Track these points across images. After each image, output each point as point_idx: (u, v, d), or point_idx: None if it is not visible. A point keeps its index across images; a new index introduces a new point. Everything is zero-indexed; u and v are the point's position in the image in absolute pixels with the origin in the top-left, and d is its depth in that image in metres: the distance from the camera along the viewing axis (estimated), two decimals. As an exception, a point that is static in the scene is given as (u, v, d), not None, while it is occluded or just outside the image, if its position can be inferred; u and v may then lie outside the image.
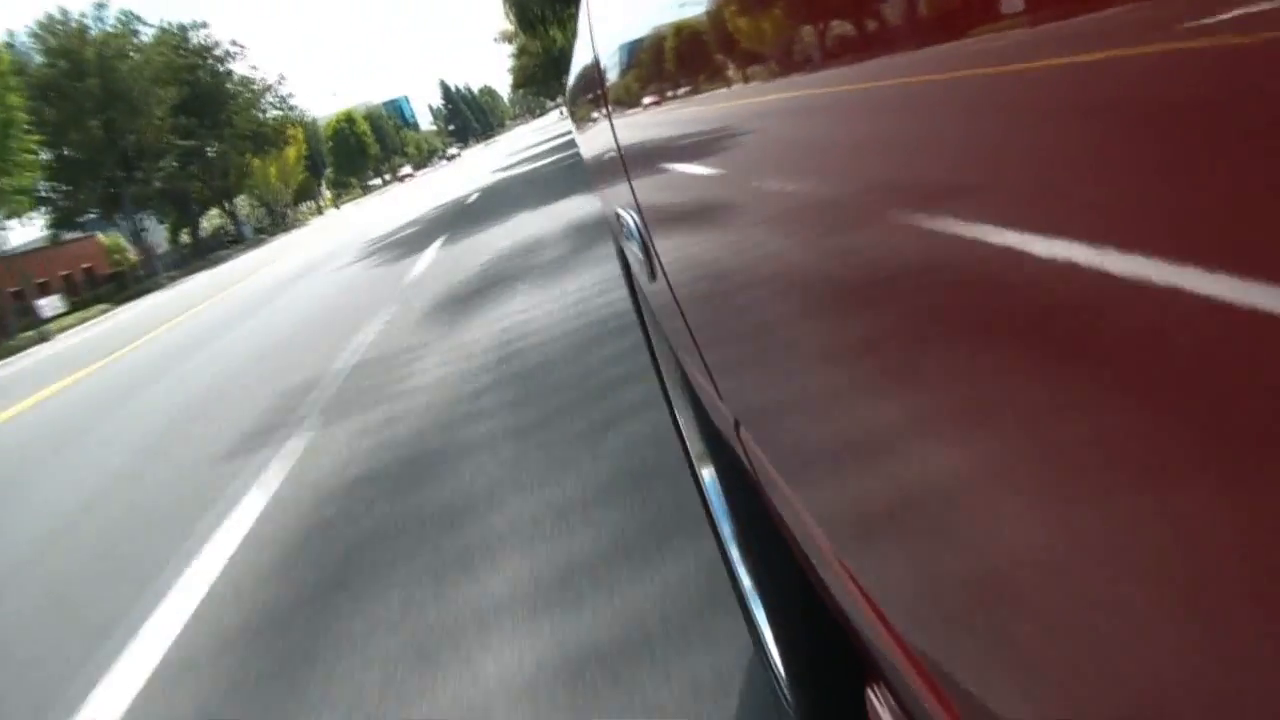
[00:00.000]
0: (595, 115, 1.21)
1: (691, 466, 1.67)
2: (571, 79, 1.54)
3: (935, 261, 0.29)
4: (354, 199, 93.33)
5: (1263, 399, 0.17)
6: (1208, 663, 0.21)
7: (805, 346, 0.48)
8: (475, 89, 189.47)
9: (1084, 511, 0.25)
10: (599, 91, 1.09)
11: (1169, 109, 0.17)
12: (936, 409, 0.33)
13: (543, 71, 55.07)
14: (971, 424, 0.30)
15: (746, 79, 0.44)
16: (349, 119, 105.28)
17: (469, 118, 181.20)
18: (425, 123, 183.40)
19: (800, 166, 0.40)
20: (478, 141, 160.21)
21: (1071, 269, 0.22)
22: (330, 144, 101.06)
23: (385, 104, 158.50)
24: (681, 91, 0.61)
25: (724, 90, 0.48)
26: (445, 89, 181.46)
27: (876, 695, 0.56)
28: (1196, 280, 0.17)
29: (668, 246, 0.87)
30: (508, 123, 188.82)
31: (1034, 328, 0.24)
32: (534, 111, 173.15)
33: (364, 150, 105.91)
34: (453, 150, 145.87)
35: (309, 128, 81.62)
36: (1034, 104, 0.22)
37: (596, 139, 1.27)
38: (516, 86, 70.48)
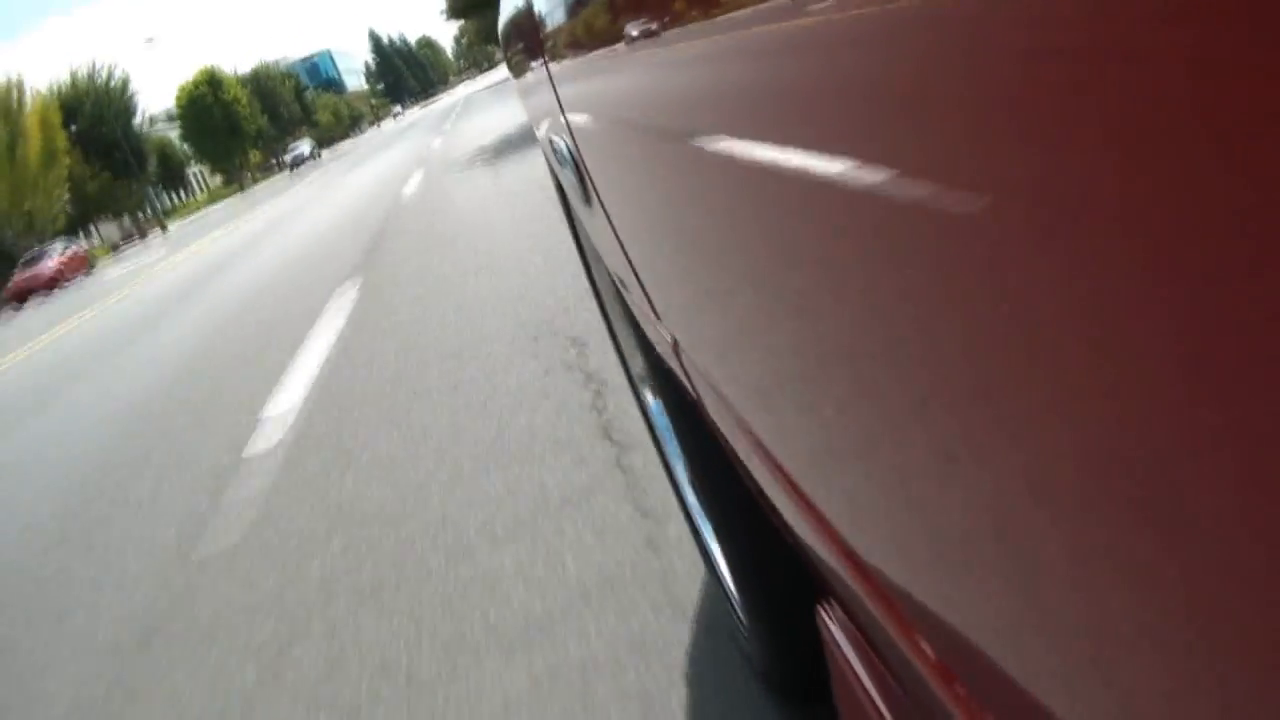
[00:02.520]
0: (528, 44, 1.18)
1: (635, 389, 1.67)
2: (503, 14, 1.52)
3: (863, 189, 0.29)
4: (225, 201, 57.05)
5: (1266, 398, 0.16)
6: (1159, 620, 0.21)
7: (742, 264, 0.48)
8: (413, 40, 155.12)
9: (1034, 433, 0.24)
10: (532, 21, 1.07)
11: (1168, 102, 0.16)
12: (872, 322, 0.33)
13: None
14: (911, 335, 0.30)
15: (682, 8, 0.43)
16: (210, 81, 67.98)
17: (404, 74, 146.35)
18: (358, 82, 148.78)
19: (729, 93, 0.40)
20: (415, 103, 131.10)
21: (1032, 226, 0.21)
22: (182, 119, 67.69)
23: (303, 61, 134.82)
24: (616, 21, 0.59)
25: (655, 17, 0.48)
26: (375, 41, 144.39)
27: (828, 612, 0.56)
28: (1193, 278, 0.17)
29: (602, 172, 0.85)
30: (451, 79, 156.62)
31: (962, 248, 0.23)
32: (481, 65, 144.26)
33: (235, 127, 68.72)
34: (396, 110, 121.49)
35: (66, 92, 48.79)
36: (1000, 69, 0.21)
37: (529, 66, 1.24)
38: (453, 14, 49.54)
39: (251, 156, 75.48)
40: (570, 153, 1.02)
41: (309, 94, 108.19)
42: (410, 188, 11.47)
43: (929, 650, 0.39)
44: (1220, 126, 0.15)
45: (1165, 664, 0.22)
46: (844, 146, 0.30)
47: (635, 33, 0.53)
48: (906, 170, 0.26)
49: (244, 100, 70.70)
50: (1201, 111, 0.15)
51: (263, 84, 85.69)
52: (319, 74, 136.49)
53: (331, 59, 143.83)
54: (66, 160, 42.66)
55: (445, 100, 75.89)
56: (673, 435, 1.45)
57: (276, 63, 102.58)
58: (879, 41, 0.25)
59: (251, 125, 71.38)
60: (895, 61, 0.25)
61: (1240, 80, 0.14)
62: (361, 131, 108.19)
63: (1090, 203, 0.19)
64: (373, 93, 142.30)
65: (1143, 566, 0.22)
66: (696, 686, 1.40)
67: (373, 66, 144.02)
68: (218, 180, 77.71)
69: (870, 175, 0.29)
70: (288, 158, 64.04)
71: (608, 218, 0.89)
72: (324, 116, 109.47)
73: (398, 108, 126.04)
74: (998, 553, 0.29)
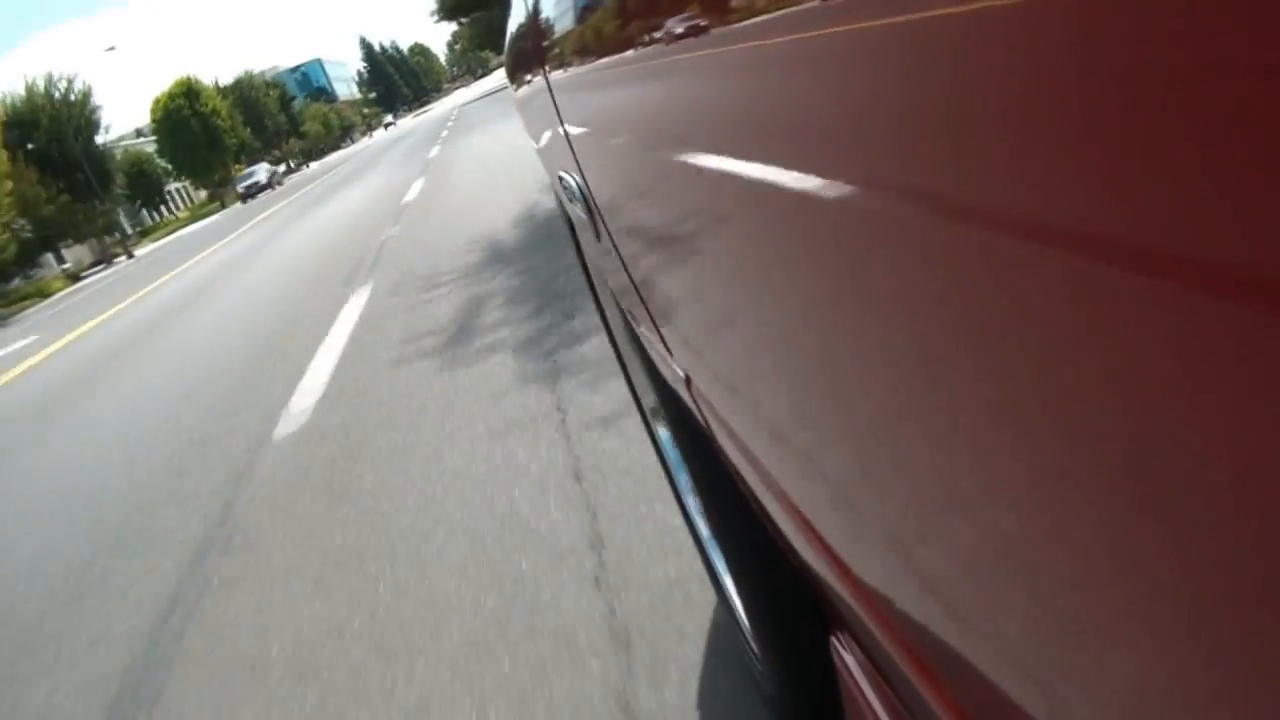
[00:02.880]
0: (533, 76, 1.19)
1: (647, 422, 1.67)
2: (509, 40, 1.52)
3: (879, 218, 0.29)
4: (201, 219, 54.60)
5: (1263, 398, 0.16)
6: (1155, 609, 0.21)
7: (752, 301, 0.47)
8: (405, 47, 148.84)
9: (1038, 451, 0.24)
10: (537, 51, 1.07)
11: (1167, 100, 0.16)
12: (885, 356, 0.33)
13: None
14: (922, 368, 0.30)
15: (688, 35, 0.43)
16: (187, 92, 62.43)
17: (397, 82, 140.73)
18: (350, 90, 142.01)
19: (741, 123, 0.40)
20: (409, 111, 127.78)
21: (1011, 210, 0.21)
22: (157, 133, 62.65)
23: (291, 70, 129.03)
24: (621, 50, 0.59)
25: (664, 48, 0.47)
26: (367, 48, 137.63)
27: (841, 643, 0.56)
28: (1188, 275, 0.17)
29: (611, 206, 0.86)
30: (445, 86, 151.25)
31: (981, 280, 0.24)
32: (475, 72, 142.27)
33: (215, 140, 62.91)
34: (388, 119, 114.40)
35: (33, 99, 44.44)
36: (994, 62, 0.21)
37: (536, 100, 1.25)
38: (444, 15, 46.51)
39: (235, 170, 68.52)
40: (579, 188, 1.03)
41: (297, 104, 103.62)
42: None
43: (940, 682, 0.39)
44: (1220, 127, 0.15)
45: (1182, 696, 0.22)
46: (865, 177, 0.29)
47: (643, 55, 0.52)
48: (931, 204, 0.26)
49: (224, 111, 65.34)
50: (1198, 113, 0.15)
51: (245, 94, 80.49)
52: (309, 83, 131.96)
53: (322, 67, 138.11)
54: (9, 184, 36.18)
55: (437, 109, 72.99)
56: (684, 468, 1.45)
57: (264, 73, 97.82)
58: (914, 58, 0.24)
59: (233, 138, 66.09)
60: (929, 81, 0.24)
61: (1240, 80, 0.14)
62: (353, 141, 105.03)
63: (1098, 213, 0.19)
64: (365, 101, 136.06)
65: (1162, 600, 0.21)
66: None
67: (364, 74, 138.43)
68: (204, 194, 73.66)
69: (890, 210, 0.28)
70: (240, 186, 54.26)
71: (618, 253, 0.89)
72: (313, 127, 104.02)
73: (389, 117, 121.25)
74: (1009, 588, 0.30)
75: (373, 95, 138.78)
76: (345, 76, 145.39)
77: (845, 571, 0.46)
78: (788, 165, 0.35)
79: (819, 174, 0.32)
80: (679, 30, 0.44)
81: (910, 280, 0.28)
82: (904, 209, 0.27)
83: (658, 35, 0.47)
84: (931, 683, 0.39)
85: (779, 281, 0.42)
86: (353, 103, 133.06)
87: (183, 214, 71.69)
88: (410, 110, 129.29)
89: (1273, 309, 0.15)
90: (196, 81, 64.59)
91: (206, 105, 63.43)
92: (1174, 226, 0.17)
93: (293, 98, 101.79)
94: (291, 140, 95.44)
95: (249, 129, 75.77)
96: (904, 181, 0.27)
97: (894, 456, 0.35)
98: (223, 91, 73.29)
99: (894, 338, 0.31)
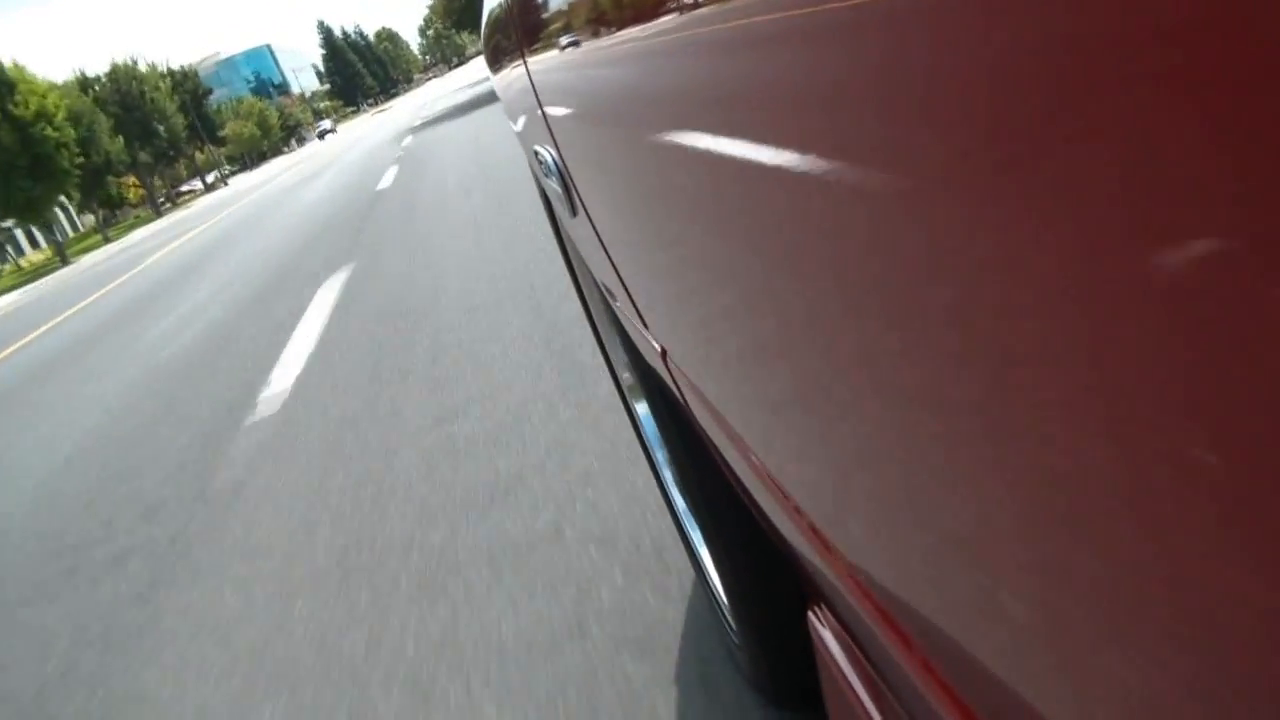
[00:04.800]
0: (508, 49, 1.18)
1: (624, 399, 1.67)
2: (484, 19, 1.51)
3: (850, 194, 0.29)
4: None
5: (1263, 397, 0.16)
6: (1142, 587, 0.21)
7: (728, 273, 0.47)
8: (370, 33, 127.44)
9: (1013, 423, 0.24)
10: (512, 25, 1.06)
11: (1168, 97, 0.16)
12: (859, 328, 0.33)
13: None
14: (897, 339, 0.30)
15: (665, 11, 0.43)
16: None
17: (360, 72, 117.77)
18: (311, 81, 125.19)
19: (717, 98, 0.40)
20: (372, 105, 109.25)
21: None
22: None
23: (224, 61, 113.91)
24: (596, 22, 0.59)
25: (640, 24, 0.47)
26: (326, 33, 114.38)
27: (819, 617, 0.56)
28: (1183, 275, 0.17)
29: (587, 180, 0.85)
30: (417, 76, 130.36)
31: (949, 251, 0.24)
32: (450, 60, 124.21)
33: (42, 160, 40.97)
34: (323, 125, 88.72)
35: None
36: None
37: (511, 74, 1.24)
38: None
39: (126, 193, 57.31)
40: (555, 162, 1.02)
41: (215, 99, 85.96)
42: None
43: (918, 653, 0.39)
44: (1219, 126, 0.15)
45: (1149, 663, 0.22)
46: (833, 152, 0.30)
47: (619, 33, 0.52)
48: (896, 178, 0.26)
49: (59, 116, 42.66)
50: (1198, 110, 0.15)
51: (124, 90, 58.85)
52: (253, 73, 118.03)
53: (272, 54, 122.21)
54: None
55: (400, 110, 50.20)
56: (662, 443, 1.45)
57: (204, 61, 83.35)
58: (895, 40, 0.25)
59: (68, 157, 42.40)
60: (906, 63, 0.24)
61: (1240, 78, 0.14)
62: (300, 144, 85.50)
63: (1078, 205, 0.19)
64: (324, 94, 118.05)
65: (1127, 566, 0.22)
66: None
67: (323, 64, 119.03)
68: (88, 223, 58.43)
69: (857, 183, 0.28)
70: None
71: (593, 227, 0.89)
72: (243, 129, 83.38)
73: (326, 122, 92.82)
74: (985, 555, 0.30)
75: (327, 87, 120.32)
76: (304, 66, 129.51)
77: (822, 544, 0.46)
78: (762, 141, 0.35)
79: (793, 150, 0.33)
80: (656, 5, 0.44)
81: (881, 252, 0.29)
82: (873, 184, 0.27)
83: (635, 9, 0.47)
84: (909, 654, 0.40)
85: (753, 254, 0.42)
86: (303, 97, 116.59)
87: (9, 267, 52.68)
88: (373, 106, 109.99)
89: (1272, 307, 0.15)
90: (17, 70, 41.75)
91: (25, 108, 40.78)
92: (1172, 223, 0.17)
93: (209, 91, 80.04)
94: (205, 149, 77.57)
95: (139, 135, 58.13)
96: (874, 158, 0.27)
97: (870, 427, 0.35)
98: (84, 85, 54.92)
99: (868, 310, 0.32)
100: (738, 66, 0.36)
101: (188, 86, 72.81)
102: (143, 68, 64.18)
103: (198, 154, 77.67)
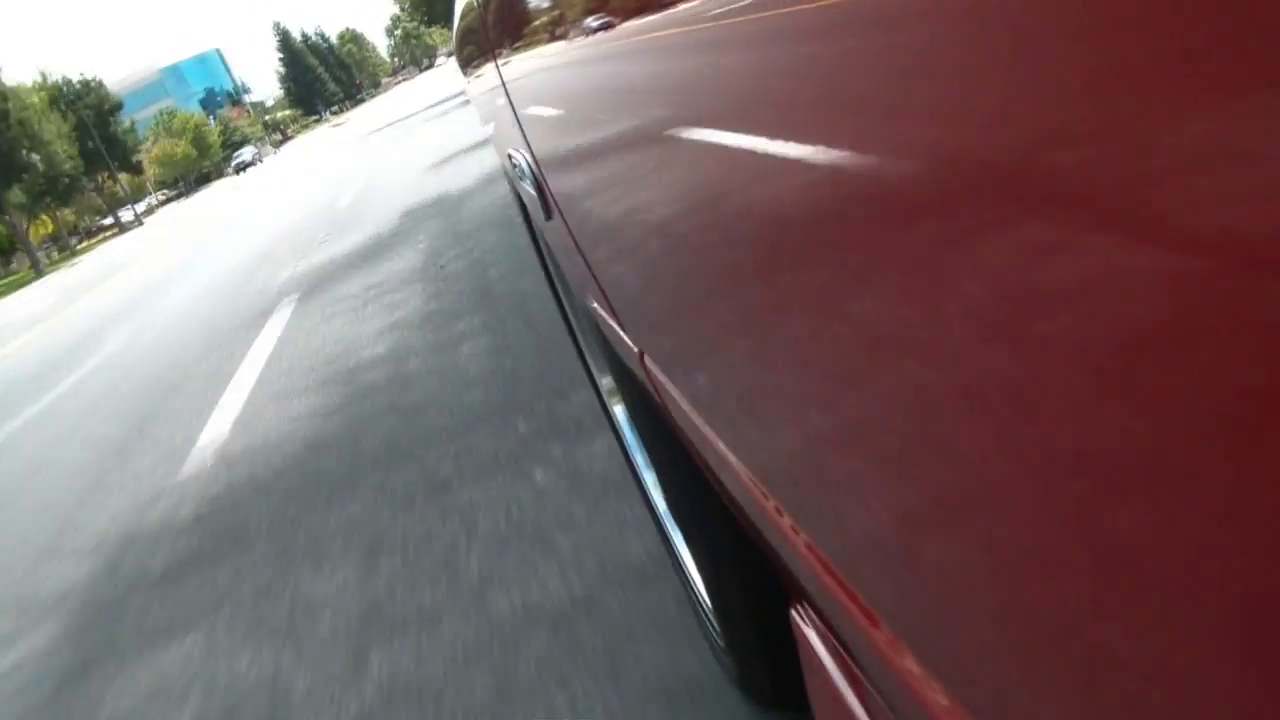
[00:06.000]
0: (481, 56, 1.18)
1: (602, 402, 1.67)
2: (456, 21, 1.51)
3: (826, 191, 0.29)
4: None
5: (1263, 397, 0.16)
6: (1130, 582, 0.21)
7: (703, 274, 0.47)
8: (333, 35, 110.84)
9: (996, 417, 0.24)
10: (485, 32, 1.06)
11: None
12: (838, 325, 0.33)
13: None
14: (877, 336, 0.30)
15: (635, 13, 0.43)
16: None
17: (322, 77, 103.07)
18: (273, 89, 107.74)
19: (689, 98, 0.40)
20: (338, 112, 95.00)
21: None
22: None
23: (169, 69, 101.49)
24: (566, 27, 0.59)
25: (609, 23, 0.47)
26: (283, 36, 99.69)
27: (801, 615, 0.56)
28: (1178, 275, 0.16)
29: (561, 184, 0.85)
30: (384, 81, 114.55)
31: (929, 245, 0.24)
32: (420, 62, 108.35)
33: None
34: (243, 157, 65.57)
35: None
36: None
37: (484, 80, 1.24)
38: None
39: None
40: (528, 164, 1.02)
41: (133, 118, 69.53)
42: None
43: (900, 649, 0.39)
44: (1219, 125, 0.15)
45: (1127, 656, 0.22)
46: (808, 152, 0.30)
47: (590, 35, 0.52)
48: (869, 178, 0.26)
49: None
50: (1198, 107, 0.15)
51: None
52: (201, 82, 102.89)
53: (222, 60, 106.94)
54: None
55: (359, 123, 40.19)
56: (641, 446, 1.45)
57: (152, 68, 69.11)
58: (865, 37, 0.25)
59: None
60: (878, 60, 0.24)
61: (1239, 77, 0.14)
62: (239, 168, 62.84)
63: (1034, 198, 0.19)
64: (285, 103, 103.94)
65: (1105, 560, 0.22)
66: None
67: (280, 69, 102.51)
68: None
69: (833, 184, 0.28)
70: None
71: (569, 229, 0.89)
72: (174, 149, 68.30)
73: (246, 151, 69.79)
74: (964, 550, 0.30)
75: (278, 94, 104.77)
76: (266, 72, 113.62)
77: (802, 542, 0.46)
78: (738, 141, 0.35)
79: (768, 151, 0.33)
80: (626, 6, 0.43)
81: (856, 252, 0.29)
82: (848, 185, 0.27)
83: (606, 10, 0.47)
84: (891, 650, 0.39)
85: (729, 255, 0.42)
86: (250, 108, 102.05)
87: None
88: (334, 115, 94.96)
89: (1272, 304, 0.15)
90: None
91: None
92: (1173, 218, 0.16)
93: (117, 106, 62.78)
94: (116, 178, 61.45)
95: (2, 169, 44.46)
96: (847, 159, 0.27)
97: (848, 426, 0.35)
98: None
99: (846, 310, 0.32)
100: (712, 66, 0.35)
101: (89, 101, 58.35)
102: (31, 81, 50.85)
103: (115, 181, 63.28)
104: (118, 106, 62.50)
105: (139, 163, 66.60)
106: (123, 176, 64.45)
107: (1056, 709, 0.27)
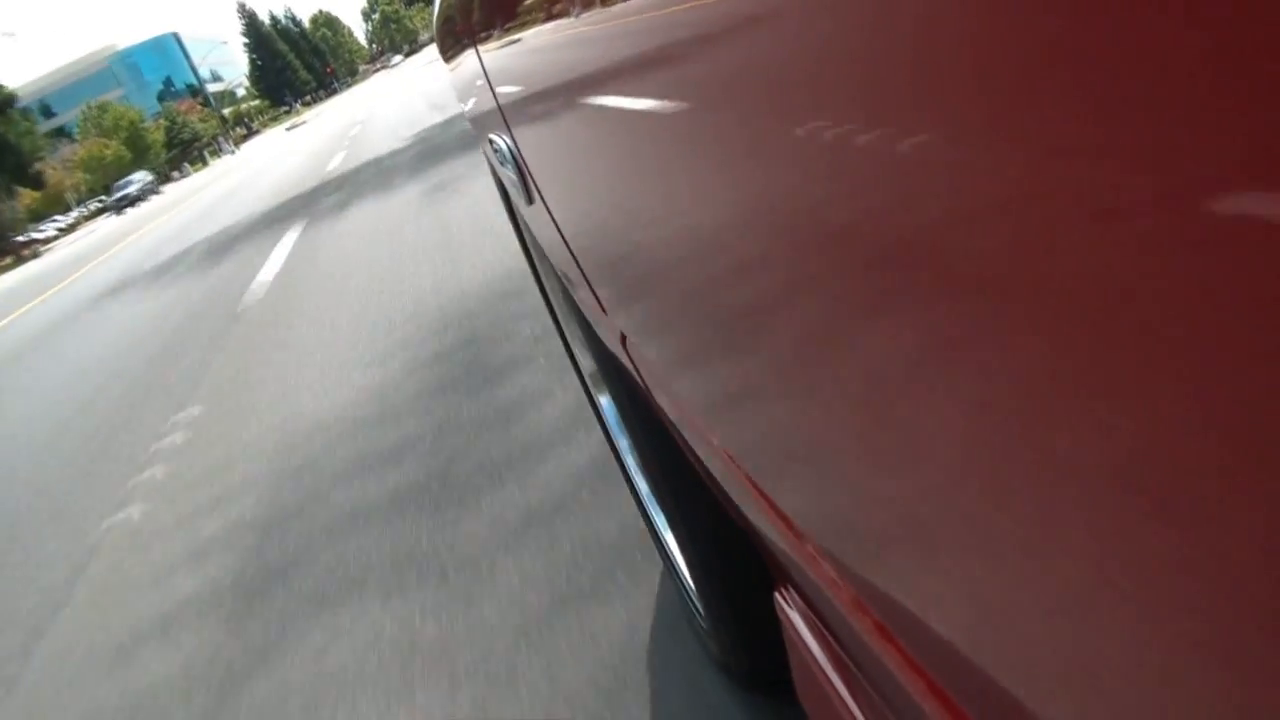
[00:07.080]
0: (461, 39, 1.17)
1: (585, 387, 1.67)
2: (436, 4, 1.50)
3: (808, 172, 0.29)
4: None
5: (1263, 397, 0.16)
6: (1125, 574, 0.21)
7: (685, 257, 0.47)
8: (305, 19, 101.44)
9: (982, 417, 0.24)
10: (463, 9, 1.05)
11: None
12: (820, 308, 0.33)
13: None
14: (862, 318, 0.30)
15: None
16: None
17: (292, 64, 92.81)
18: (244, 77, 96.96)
19: (671, 78, 0.39)
20: (304, 107, 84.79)
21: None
22: None
23: (120, 54, 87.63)
24: (548, 10, 0.59)
25: (589, 6, 0.47)
26: (249, 20, 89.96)
27: (785, 598, 0.56)
28: (1175, 276, 0.16)
29: (543, 167, 0.85)
30: (361, 68, 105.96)
31: (914, 229, 0.23)
32: (401, 47, 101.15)
33: None
34: (128, 188, 47.05)
35: None
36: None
37: (464, 64, 1.23)
38: None
39: None
40: (510, 149, 1.01)
41: (46, 123, 59.74)
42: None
43: (884, 631, 0.39)
44: (1220, 123, 0.15)
45: (1114, 644, 0.22)
46: (791, 139, 0.30)
47: (569, 17, 0.52)
48: (852, 164, 0.26)
49: None
50: (1199, 106, 0.15)
51: None
52: (155, 71, 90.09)
53: (180, 44, 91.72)
54: None
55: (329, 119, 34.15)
56: (624, 430, 1.44)
57: (99, 52, 56.70)
58: (848, 29, 0.25)
59: None
60: (859, 51, 0.24)
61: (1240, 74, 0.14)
62: (189, 168, 55.74)
63: (1014, 193, 0.19)
64: (252, 93, 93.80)
65: (1091, 548, 0.22)
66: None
67: (246, 56, 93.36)
68: None
69: (815, 170, 0.28)
70: None
71: (550, 214, 0.88)
72: (102, 150, 59.16)
73: (135, 178, 51.31)
74: (948, 534, 0.30)
75: (239, 85, 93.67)
76: (232, 59, 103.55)
77: (786, 525, 0.46)
78: (720, 126, 0.35)
79: (750, 136, 0.33)
80: None
81: (839, 238, 0.28)
82: (831, 171, 0.27)
83: None
84: (876, 633, 0.40)
85: (711, 238, 0.41)
86: (223, 98, 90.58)
87: None
88: (312, 104, 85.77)
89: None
90: None
91: None
92: (1172, 216, 0.16)
93: (9, 99, 51.63)
94: (19, 193, 49.78)
95: None
96: (831, 146, 0.27)
97: (831, 409, 0.35)
98: None
99: (828, 293, 0.31)
100: (695, 50, 0.35)
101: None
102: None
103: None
104: (8, 100, 51.81)
105: (38, 174, 54.60)
106: (25, 192, 52.25)
107: (1038, 689, 0.27)
